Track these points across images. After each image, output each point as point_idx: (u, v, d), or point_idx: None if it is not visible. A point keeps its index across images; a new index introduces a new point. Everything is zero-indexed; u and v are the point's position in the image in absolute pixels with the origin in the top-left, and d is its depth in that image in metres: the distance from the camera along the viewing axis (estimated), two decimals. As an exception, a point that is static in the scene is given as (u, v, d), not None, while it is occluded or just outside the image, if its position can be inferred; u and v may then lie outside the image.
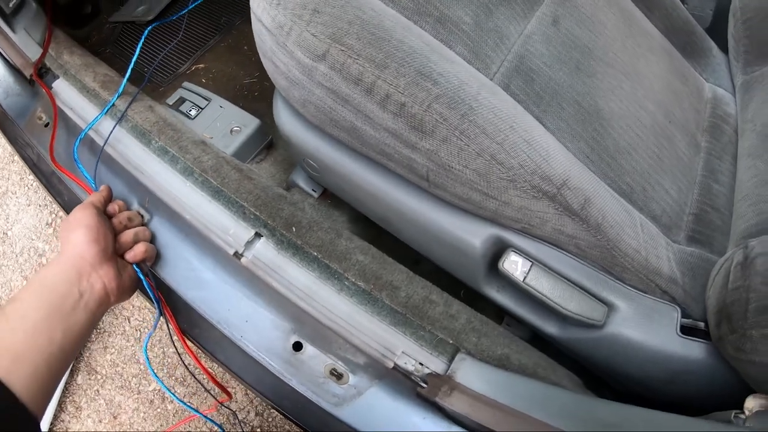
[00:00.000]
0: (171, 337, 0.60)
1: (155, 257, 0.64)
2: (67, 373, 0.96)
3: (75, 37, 0.75)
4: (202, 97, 0.73)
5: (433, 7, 0.60)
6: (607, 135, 0.65)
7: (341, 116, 0.55)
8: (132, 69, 0.70)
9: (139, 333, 1.00)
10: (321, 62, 0.52)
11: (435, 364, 0.60)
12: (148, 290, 0.59)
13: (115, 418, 0.93)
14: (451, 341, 0.60)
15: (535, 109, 0.61)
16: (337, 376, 0.63)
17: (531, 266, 0.58)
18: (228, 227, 0.64)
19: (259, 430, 0.88)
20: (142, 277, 0.58)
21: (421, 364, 0.60)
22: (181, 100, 0.74)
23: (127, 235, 0.59)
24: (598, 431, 0.50)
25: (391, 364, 0.59)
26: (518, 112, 0.56)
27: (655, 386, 0.62)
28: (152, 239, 0.63)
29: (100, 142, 0.66)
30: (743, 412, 0.54)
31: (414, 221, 0.61)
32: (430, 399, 0.58)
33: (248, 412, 0.91)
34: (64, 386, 0.96)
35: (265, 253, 0.63)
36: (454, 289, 0.71)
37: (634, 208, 0.64)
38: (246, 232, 0.63)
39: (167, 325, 0.62)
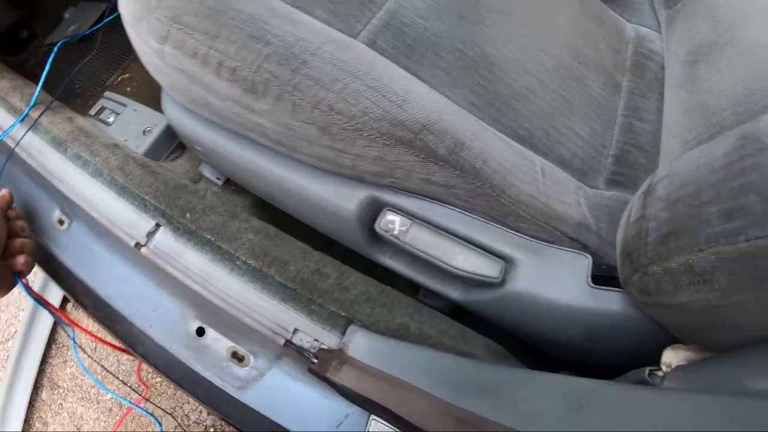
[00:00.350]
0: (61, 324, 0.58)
1: (32, 267, 0.63)
2: (31, 389, 0.98)
3: (12, 63, 0.78)
4: (120, 103, 0.74)
5: (293, -24, 0.56)
6: (497, 80, 0.57)
7: (195, 93, 0.52)
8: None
9: (95, 344, 1.01)
10: (165, 44, 0.50)
11: (327, 338, 0.54)
12: (26, 293, 0.59)
13: (78, 430, 0.93)
14: (343, 313, 0.54)
15: (405, 61, 0.55)
16: (239, 358, 0.58)
17: (411, 224, 0.51)
18: (131, 221, 0.62)
19: (212, 429, 0.85)
20: (20, 282, 0.59)
21: (316, 340, 0.54)
22: (102, 109, 0.75)
23: (16, 243, 0.59)
24: (471, 396, 0.42)
25: (283, 341, 0.54)
26: (374, 65, 0.50)
27: (577, 346, 0.53)
28: (33, 250, 0.63)
29: (20, 153, 0.68)
30: (660, 368, 0.44)
31: (291, 193, 0.56)
32: (320, 374, 0.52)
33: (201, 411, 0.88)
34: (30, 403, 0.98)
35: (164, 241, 0.60)
36: (371, 267, 0.64)
37: (535, 154, 0.56)
38: (147, 223, 0.61)
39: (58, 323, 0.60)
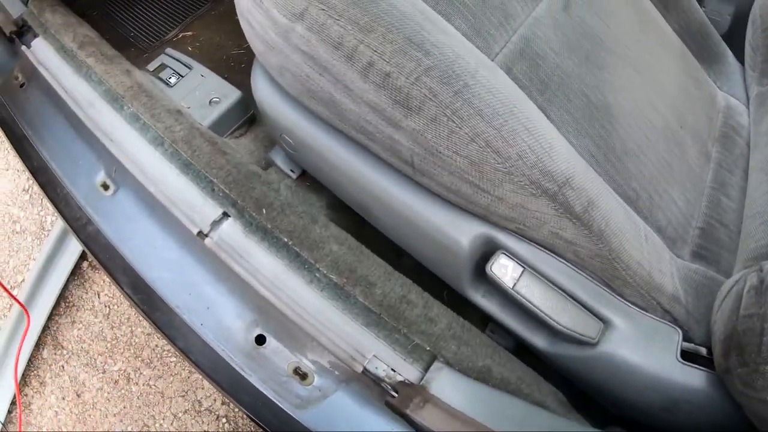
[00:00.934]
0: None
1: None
2: (33, 345, 0.85)
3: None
4: (184, 64, 0.62)
5: (434, -24, 0.48)
6: (614, 134, 0.53)
7: (319, 86, 0.43)
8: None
9: (108, 309, 0.89)
10: (298, 22, 0.41)
11: (408, 371, 0.48)
12: None
13: (78, 396, 0.82)
14: (428, 347, 0.49)
15: (538, 97, 0.48)
16: (302, 375, 0.51)
17: (522, 272, 0.46)
18: (194, 204, 0.52)
19: (224, 419, 0.77)
20: None
21: (393, 370, 0.48)
22: (162, 67, 0.63)
23: None
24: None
25: (360, 368, 0.48)
26: (520, 98, 0.44)
27: (652, 413, 0.51)
28: None
29: (66, 99, 0.55)
30: (751, 455, 0.43)
31: (396, 211, 0.49)
32: (400, 410, 0.46)
33: (214, 399, 0.80)
34: (29, 359, 0.85)
35: (232, 234, 0.51)
36: (436, 288, 0.59)
37: (639, 217, 0.52)
38: (213, 210, 0.52)
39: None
